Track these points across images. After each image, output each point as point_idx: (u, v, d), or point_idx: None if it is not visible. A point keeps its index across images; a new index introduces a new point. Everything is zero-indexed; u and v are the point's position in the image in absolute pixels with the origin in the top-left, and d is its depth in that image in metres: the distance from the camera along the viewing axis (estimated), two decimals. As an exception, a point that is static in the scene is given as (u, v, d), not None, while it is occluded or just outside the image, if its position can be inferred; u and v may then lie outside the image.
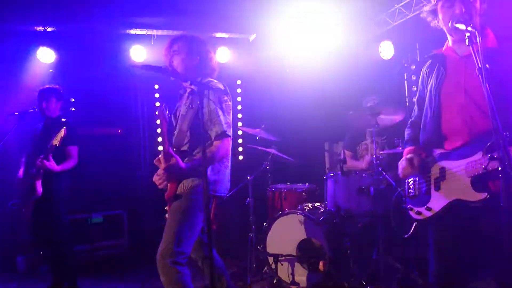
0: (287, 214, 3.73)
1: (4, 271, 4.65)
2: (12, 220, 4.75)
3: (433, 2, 2.11)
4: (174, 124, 2.63)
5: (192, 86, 2.49)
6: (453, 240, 2.01)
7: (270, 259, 3.66)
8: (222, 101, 2.46)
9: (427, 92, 2.18)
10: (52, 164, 3.51)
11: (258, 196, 4.26)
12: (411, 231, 2.42)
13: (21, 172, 3.76)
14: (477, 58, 1.73)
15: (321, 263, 3.40)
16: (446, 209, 1.98)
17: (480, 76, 1.70)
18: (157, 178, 2.45)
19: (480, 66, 1.71)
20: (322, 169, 6.02)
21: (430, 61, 2.24)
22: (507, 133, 1.64)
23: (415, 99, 2.39)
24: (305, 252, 3.55)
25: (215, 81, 2.55)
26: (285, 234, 3.66)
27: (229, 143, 2.46)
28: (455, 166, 1.96)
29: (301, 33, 5.30)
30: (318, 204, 4.00)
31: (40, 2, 4.38)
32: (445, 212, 1.99)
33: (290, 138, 5.06)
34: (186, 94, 2.62)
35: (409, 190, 2.22)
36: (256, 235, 3.95)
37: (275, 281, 3.68)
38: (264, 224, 3.86)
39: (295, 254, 3.57)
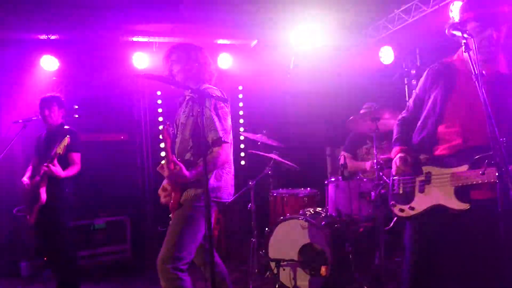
0: (288, 219, 3.74)
1: (8, 276, 4.68)
2: (16, 225, 4.79)
3: (458, 18, 2.11)
4: (175, 132, 2.65)
5: (192, 94, 2.52)
6: (430, 240, 2.13)
7: (272, 264, 3.67)
8: (218, 107, 2.48)
9: (431, 98, 2.22)
10: (58, 169, 3.53)
11: (260, 201, 4.27)
12: (391, 225, 2.56)
13: (26, 177, 3.78)
14: (473, 64, 1.77)
15: (323, 268, 3.40)
16: (428, 211, 2.11)
17: (476, 82, 1.73)
18: (164, 195, 2.51)
19: (476, 72, 1.75)
20: (324, 174, 6.04)
21: (438, 66, 2.26)
22: (504, 139, 1.67)
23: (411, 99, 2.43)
24: (307, 257, 3.56)
25: (214, 88, 2.57)
26: (287, 239, 3.68)
27: (229, 148, 2.48)
28: (441, 173, 2.09)
29: (301, 38, 5.34)
30: (320, 209, 4.01)
31: (43, 10, 4.43)
32: (427, 214, 2.12)
33: (291, 143, 5.09)
34: (185, 102, 2.64)
35: (394, 188, 2.32)
36: (258, 240, 3.97)
37: (277, 286, 3.69)
38: (266, 229, 3.88)
39: (297, 259, 3.58)
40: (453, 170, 2.03)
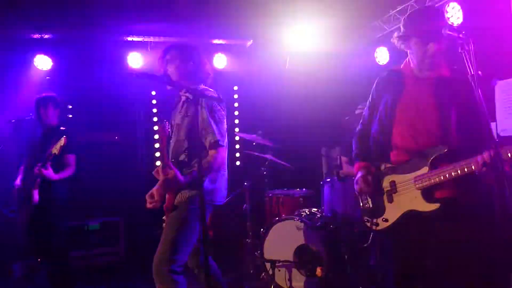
0: (284, 220, 3.73)
1: (0, 278, 4.63)
2: (9, 226, 4.74)
3: (402, 30, 2.23)
4: (170, 133, 2.62)
5: (187, 94, 2.49)
6: (410, 246, 2.17)
7: (268, 265, 3.66)
8: (215, 110, 2.45)
9: (381, 104, 2.32)
10: (50, 173, 3.50)
11: (255, 202, 4.26)
12: (369, 241, 2.59)
13: (18, 180, 3.74)
14: (470, 64, 1.77)
15: (318, 269, 3.40)
16: (401, 219, 2.17)
17: (472, 82, 1.74)
18: (150, 201, 2.42)
19: (472, 72, 1.75)
20: (319, 175, 6.02)
21: (387, 73, 2.39)
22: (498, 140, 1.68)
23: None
24: (302, 258, 3.55)
25: (210, 89, 2.55)
26: (282, 240, 3.66)
27: (224, 152, 2.46)
28: (404, 180, 2.16)
29: (297, 39, 5.33)
30: (315, 209, 4.00)
31: (37, 9, 4.39)
32: (400, 222, 2.17)
33: (287, 144, 5.06)
34: (181, 102, 2.61)
35: (363, 203, 2.35)
36: (253, 241, 3.95)
37: (272, 287, 3.68)
38: (261, 230, 3.86)
39: (292, 260, 3.57)
40: (415, 174, 2.10)
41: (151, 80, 2.20)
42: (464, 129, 1.97)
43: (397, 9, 4.83)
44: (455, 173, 1.93)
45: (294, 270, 3.57)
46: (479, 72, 1.78)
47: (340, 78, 5.48)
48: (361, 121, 2.51)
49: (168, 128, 2.51)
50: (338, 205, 3.81)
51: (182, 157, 2.49)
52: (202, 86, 2.57)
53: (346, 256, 3.55)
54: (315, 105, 5.67)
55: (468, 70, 1.77)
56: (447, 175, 1.96)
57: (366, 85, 5.20)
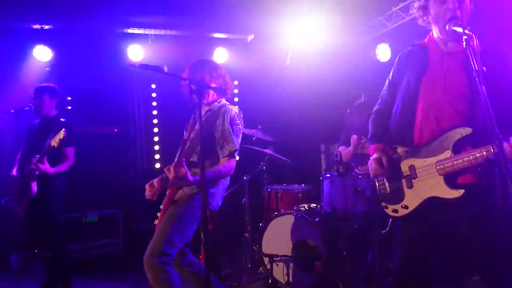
0: (283, 214, 3.73)
1: (-3, 269, 4.62)
2: (5, 218, 4.73)
3: None
4: (187, 137, 2.66)
5: (192, 86, 2.53)
6: (428, 236, 2.07)
7: (266, 260, 3.66)
8: (234, 123, 2.59)
9: (404, 80, 2.17)
10: (46, 167, 3.48)
11: (254, 196, 4.26)
12: (388, 228, 2.50)
13: (14, 170, 3.72)
14: (474, 60, 1.74)
15: (316, 264, 3.40)
16: (421, 206, 2.04)
17: (477, 78, 1.71)
18: (149, 189, 2.58)
19: (477, 68, 1.72)
20: (318, 170, 6.03)
21: (410, 48, 2.24)
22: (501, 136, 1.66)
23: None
24: (301, 253, 3.55)
25: (233, 106, 2.68)
26: (280, 235, 3.66)
27: (234, 163, 2.58)
28: (425, 164, 2.02)
29: (298, 34, 5.31)
30: (314, 205, 4.00)
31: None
32: (421, 209, 2.05)
33: (286, 139, 5.06)
34: (204, 112, 2.68)
35: (380, 188, 2.22)
36: (252, 235, 3.95)
37: (270, 282, 3.68)
38: (260, 224, 3.86)
39: (290, 254, 3.57)
40: (437, 158, 1.97)
41: (153, 71, 2.19)
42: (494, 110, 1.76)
43: (399, 6, 4.82)
44: (481, 158, 1.78)
45: (292, 265, 3.57)
46: (484, 68, 1.76)
47: (341, 74, 5.47)
48: (378, 101, 2.38)
49: (196, 123, 2.57)
50: (337, 200, 3.81)
51: (193, 157, 2.57)
52: (225, 102, 2.71)
53: (344, 252, 3.55)
54: (315, 101, 5.66)
55: (473, 66, 1.74)
56: (472, 160, 1.82)
57: (366, 81, 5.25)
